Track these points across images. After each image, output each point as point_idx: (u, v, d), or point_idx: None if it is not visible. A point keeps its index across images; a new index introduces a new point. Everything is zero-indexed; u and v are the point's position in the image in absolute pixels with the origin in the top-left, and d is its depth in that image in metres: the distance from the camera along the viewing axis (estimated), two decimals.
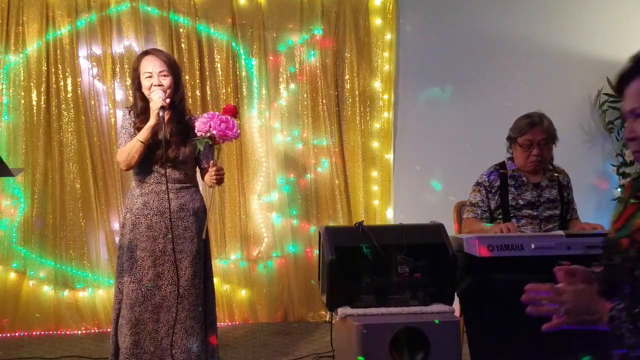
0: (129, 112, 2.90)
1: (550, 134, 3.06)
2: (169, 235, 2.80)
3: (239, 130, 2.67)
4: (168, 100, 2.77)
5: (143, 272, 2.78)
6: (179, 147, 2.85)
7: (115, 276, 2.94)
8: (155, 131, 2.76)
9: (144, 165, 2.84)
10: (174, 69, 2.85)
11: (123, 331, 2.78)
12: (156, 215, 2.82)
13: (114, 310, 2.88)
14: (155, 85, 2.78)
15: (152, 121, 2.73)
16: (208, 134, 2.59)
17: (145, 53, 2.89)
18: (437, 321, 2.45)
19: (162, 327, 2.77)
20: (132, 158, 2.77)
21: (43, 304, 4.17)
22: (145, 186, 2.86)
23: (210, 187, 2.87)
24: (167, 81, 2.81)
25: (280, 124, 4.50)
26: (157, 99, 2.73)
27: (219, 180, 2.79)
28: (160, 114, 2.70)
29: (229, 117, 2.64)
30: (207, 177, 2.86)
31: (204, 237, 2.89)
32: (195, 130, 2.64)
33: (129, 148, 2.78)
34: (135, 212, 2.84)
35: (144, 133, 2.74)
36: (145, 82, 2.81)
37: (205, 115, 2.64)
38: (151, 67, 2.80)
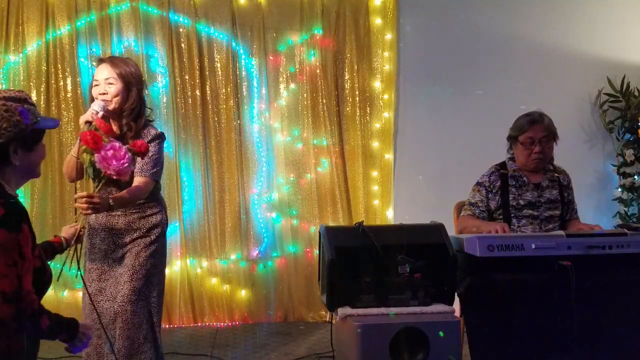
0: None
1: (551, 131, 3.07)
2: (113, 254, 2.69)
3: (126, 165, 2.37)
4: (101, 114, 2.55)
5: (88, 284, 2.71)
6: None
7: None
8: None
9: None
10: (125, 77, 2.64)
11: None
12: (104, 230, 2.69)
13: None
14: (100, 94, 2.62)
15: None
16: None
17: (100, 61, 2.73)
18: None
19: (104, 344, 2.66)
20: (70, 171, 2.64)
21: (43, 304, 4.15)
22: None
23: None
24: (112, 89, 2.62)
25: (280, 124, 4.50)
26: (88, 111, 2.58)
27: (89, 208, 2.34)
28: (85, 129, 2.46)
29: (126, 150, 2.40)
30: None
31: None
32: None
33: (66, 161, 2.68)
34: (91, 222, 2.71)
35: (75, 147, 2.55)
36: (93, 91, 2.67)
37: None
38: (99, 75, 2.66)
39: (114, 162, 2.35)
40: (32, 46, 4.18)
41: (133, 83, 2.67)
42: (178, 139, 4.35)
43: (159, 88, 4.34)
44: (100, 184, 2.47)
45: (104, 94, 2.62)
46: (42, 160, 1.94)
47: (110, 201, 2.45)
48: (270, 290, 4.47)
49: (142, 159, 2.59)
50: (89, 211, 2.36)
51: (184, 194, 4.39)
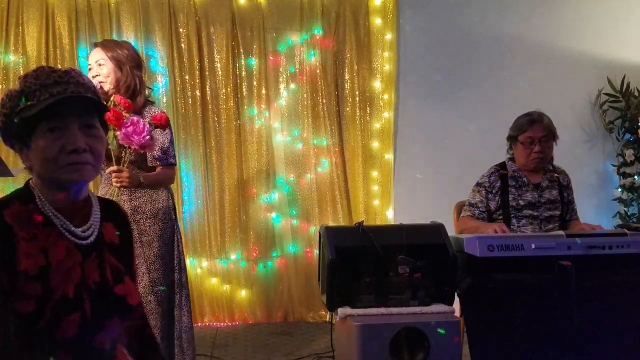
0: None
1: (551, 130, 3.07)
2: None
3: (147, 137, 2.41)
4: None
5: None
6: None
7: None
8: None
9: None
10: (116, 58, 2.66)
11: None
12: None
13: None
14: (92, 77, 2.65)
15: None
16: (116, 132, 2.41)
17: (94, 45, 2.77)
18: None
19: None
20: None
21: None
22: (99, 187, 2.73)
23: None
24: (104, 70, 2.66)
25: (280, 124, 4.50)
26: None
27: (117, 182, 2.46)
28: None
29: (144, 123, 2.44)
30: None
31: None
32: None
33: None
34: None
35: None
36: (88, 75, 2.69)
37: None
38: (91, 58, 2.70)
39: (136, 137, 2.39)
40: (32, 46, 4.18)
41: (125, 63, 2.70)
42: (178, 139, 4.35)
43: (159, 88, 4.34)
44: (127, 160, 2.50)
45: (97, 75, 2.66)
46: (52, 155, 1.33)
47: (141, 178, 2.54)
48: (270, 290, 4.48)
49: (164, 130, 2.65)
50: (118, 184, 2.45)
51: (184, 194, 4.39)
